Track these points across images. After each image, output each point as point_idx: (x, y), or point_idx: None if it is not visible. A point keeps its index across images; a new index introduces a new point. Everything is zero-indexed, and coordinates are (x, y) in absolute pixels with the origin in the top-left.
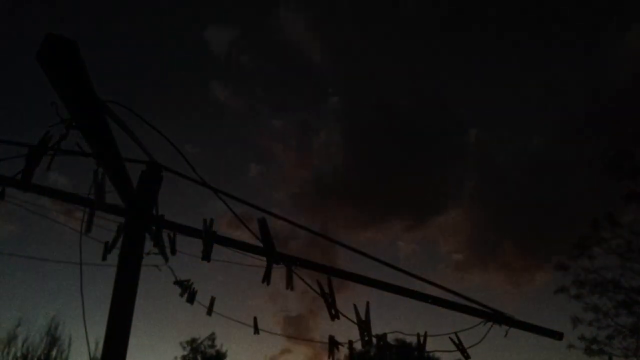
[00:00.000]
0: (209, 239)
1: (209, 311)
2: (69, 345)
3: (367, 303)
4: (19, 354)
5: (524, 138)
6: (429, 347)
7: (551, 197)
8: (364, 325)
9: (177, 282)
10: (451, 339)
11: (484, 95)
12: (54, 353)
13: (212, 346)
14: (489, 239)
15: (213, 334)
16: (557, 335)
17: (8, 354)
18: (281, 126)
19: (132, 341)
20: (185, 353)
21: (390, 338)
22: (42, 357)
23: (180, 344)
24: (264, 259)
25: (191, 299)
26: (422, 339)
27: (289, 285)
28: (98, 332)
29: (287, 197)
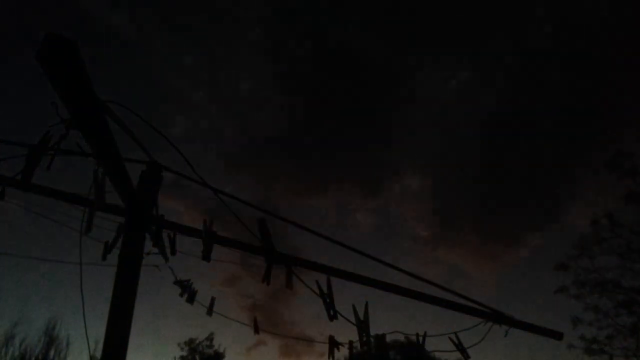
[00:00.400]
0: (209, 239)
1: (209, 311)
2: (67, 345)
3: (366, 303)
4: (16, 354)
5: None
6: (428, 347)
7: (519, 154)
8: (362, 326)
9: (177, 282)
10: (451, 339)
11: (435, 30)
12: (51, 353)
13: (210, 346)
14: (457, 206)
15: (212, 334)
16: (557, 335)
17: (6, 353)
18: (194, 65)
19: (132, 341)
20: (184, 354)
21: (389, 338)
22: (39, 357)
23: (178, 344)
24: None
25: (191, 299)
26: (421, 339)
27: (289, 285)
28: (98, 332)
29: (216, 158)
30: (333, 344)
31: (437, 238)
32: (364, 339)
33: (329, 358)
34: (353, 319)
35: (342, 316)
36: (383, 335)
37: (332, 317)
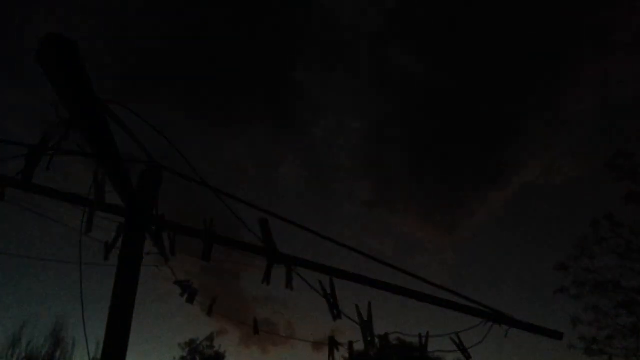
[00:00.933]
0: (209, 239)
1: (209, 312)
2: (73, 346)
3: (369, 304)
4: (23, 355)
5: None
6: (430, 347)
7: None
8: (365, 326)
9: (177, 282)
10: (452, 339)
11: None
12: (57, 354)
13: (211, 347)
14: (399, 158)
15: (212, 334)
16: (557, 336)
17: (12, 355)
18: None
19: (132, 342)
20: (184, 354)
21: (391, 338)
22: (46, 359)
23: (179, 345)
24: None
25: (191, 299)
26: (423, 339)
27: (289, 285)
28: (99, 332)
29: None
30: (333, 344)
31: (380, 199)
32: (368, 339)
33: (328, 358)
34: (352, 319)
35: (346, 316)
36: (386, 336)
37: (336, 317)
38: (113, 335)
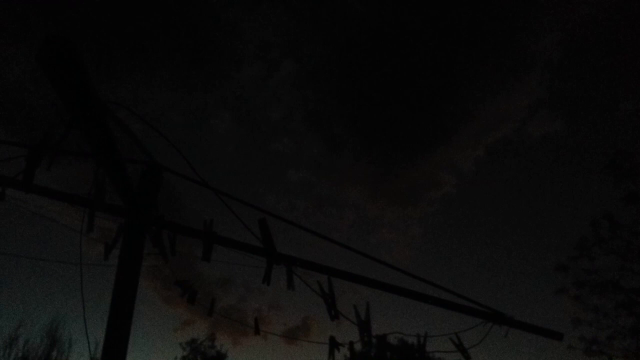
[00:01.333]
0: (209, 239)
1: (210, 312)
2: (69, 346)
3: (367, 304)
4: (19, 355)
5: None
6: (429, 347)
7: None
8: (364, 326)
9: (178, 282)
10: (451, 340)
11: None
12: (54, 354)
13: (212, 347)
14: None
15: (213, 334)
16: (557, 336)
17: (8, 355)
18: None
19: (132, 341)
20: (185, 354)
21: (390, 338)
22: (42, 359)
23: (180, 344)
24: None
25: (191, 299)
26: (422, 339)
27: (290, 285)
28: (99, 332)
29: None
30: (333, 344)
31: (329, 164)
32: (366, 339)
33: (328, 358)
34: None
35: (344, 316)
36: (384, 336)
37: (334, 317)
38: (113, 335)
